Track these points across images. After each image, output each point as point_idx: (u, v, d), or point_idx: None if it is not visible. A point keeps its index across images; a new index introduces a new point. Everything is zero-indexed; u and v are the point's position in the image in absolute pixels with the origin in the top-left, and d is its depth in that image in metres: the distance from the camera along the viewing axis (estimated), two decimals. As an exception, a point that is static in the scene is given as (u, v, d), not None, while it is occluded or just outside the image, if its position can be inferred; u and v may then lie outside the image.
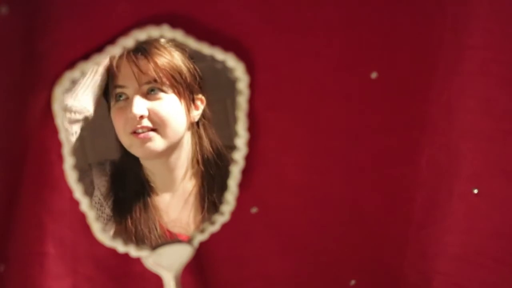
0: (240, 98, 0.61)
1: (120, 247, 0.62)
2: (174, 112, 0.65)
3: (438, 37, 0.65)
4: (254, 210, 0.68)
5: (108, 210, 0.66)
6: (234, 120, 0.62)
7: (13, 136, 0.58)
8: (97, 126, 0.65)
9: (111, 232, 0.65)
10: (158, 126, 0.65)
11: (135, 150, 0.66)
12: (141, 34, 0.56)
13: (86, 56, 0.57)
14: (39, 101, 0.58)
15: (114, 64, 0.63)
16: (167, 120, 0.65)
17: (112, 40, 0.57)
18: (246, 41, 0.60)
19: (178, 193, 0.69)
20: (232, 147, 0.63)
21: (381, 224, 0.73)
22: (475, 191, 0.68)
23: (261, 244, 0.71)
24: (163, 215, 0.68)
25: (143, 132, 0.64)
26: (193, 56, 0.65)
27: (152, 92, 0.65)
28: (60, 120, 0.58)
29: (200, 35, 0.58)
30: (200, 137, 0.68)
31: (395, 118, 0.68)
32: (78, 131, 0.62)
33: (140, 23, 0.57)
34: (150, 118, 0.64)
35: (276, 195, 0.69)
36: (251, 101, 0.61)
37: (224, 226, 0.64)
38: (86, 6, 0.55)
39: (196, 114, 0.67)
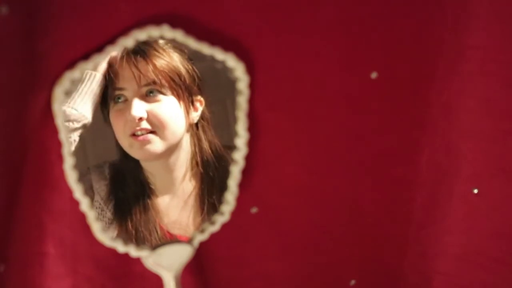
0: (240, 98, 0.61)
1: (120, 247, 0.62)
2: (173, 114, 0.65)
3: (438, 37, 0.65)
4: (254, 210, 0.68)
5: (109, 214, 0.66)
6: (234, 120, 0.62)
7: (13, 136, 0.58)
8: (97, 128, 0.64)
9: (114, 235, 0.65)
10: (157, 128, 0.65)
11: (134, 152, 0.66)
12: (141, 34, 0.57)
13: (86, 56, 0.57)
14: (39, 101, 0.58)
15: (113, 66, 0.63)
16: (166, 122, 0.65)
17: (112, 40, 0.57)
18: (246, 41, 0.60)
19: (178, 194, 0.69)
20: (232, 147, 0.63)
21: (381, 224, 0.73)
22: (475, 191, 0.68)
23: (261, 244, 0.71)
24: (163, 216, 0.68)
25: (142, 134, 0.64)
26: (192, 58, 0.65)
27: (151, 94, 0.64)
28: (60, 120, 0.58)
29: (200, 35, 0.58)
30: (199, 139, 0.68)
31: (395, 118, 0.68)
32: (77, 139, 0.62)
33: (140, 23, 0.57)
34: (149, 120, 0.64)
35: (276, 195, 0.69)
36: (251, 101, 0.62)
37: (224, 226, 0.64)
38: (86, 6, 0.55)
39: (195, 115, 0.67)
